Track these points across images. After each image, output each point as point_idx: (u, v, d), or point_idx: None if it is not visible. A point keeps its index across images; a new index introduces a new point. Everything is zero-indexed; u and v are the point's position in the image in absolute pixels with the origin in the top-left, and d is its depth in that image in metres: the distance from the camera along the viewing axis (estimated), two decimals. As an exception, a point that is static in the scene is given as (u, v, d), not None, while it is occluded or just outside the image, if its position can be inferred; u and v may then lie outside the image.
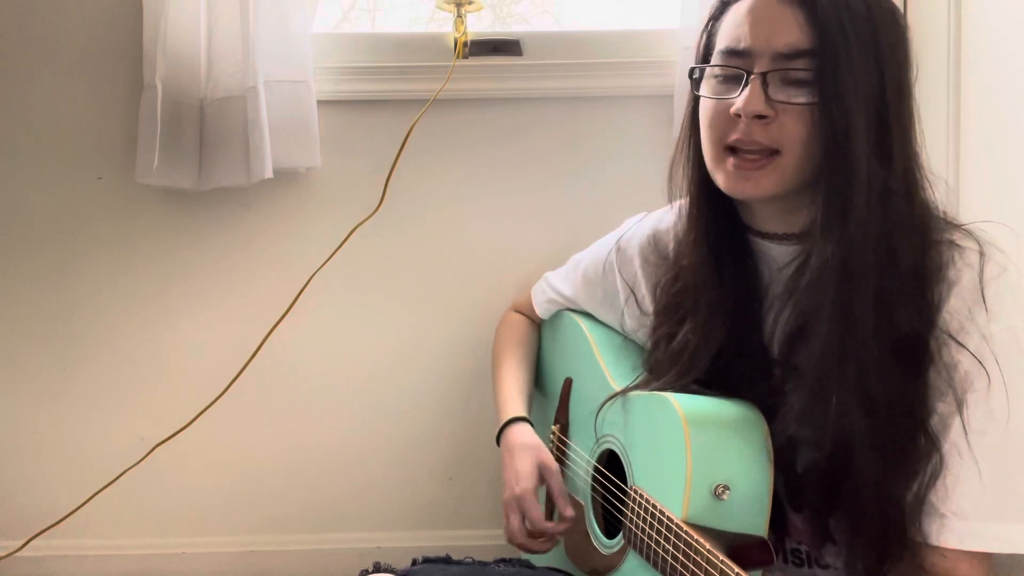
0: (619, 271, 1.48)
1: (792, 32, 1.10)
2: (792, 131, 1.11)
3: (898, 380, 1.10)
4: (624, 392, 1.32)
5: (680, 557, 1.09)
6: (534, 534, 1.44)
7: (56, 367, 1.92)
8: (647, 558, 1.18)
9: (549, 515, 1.55)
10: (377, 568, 1.37)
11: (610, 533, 1.36)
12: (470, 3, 1.85)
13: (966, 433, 1.08)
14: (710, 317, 1.24)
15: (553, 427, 1.59)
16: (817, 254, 1.12)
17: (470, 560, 1.47)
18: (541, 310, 1.71)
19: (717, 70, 1.17)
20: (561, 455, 1.55)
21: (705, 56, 1.22)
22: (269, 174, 1.75)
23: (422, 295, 1.95)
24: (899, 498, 1.10)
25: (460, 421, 1.96)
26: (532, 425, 1.55)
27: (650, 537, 1.16)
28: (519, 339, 1.72)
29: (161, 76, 1.75)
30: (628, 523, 1.24)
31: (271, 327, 1.87)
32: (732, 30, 1.15)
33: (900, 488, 1.10)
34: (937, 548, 1.09)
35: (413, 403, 1.96)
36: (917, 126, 1.15)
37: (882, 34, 1.11)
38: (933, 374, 1.10)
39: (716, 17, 1.21)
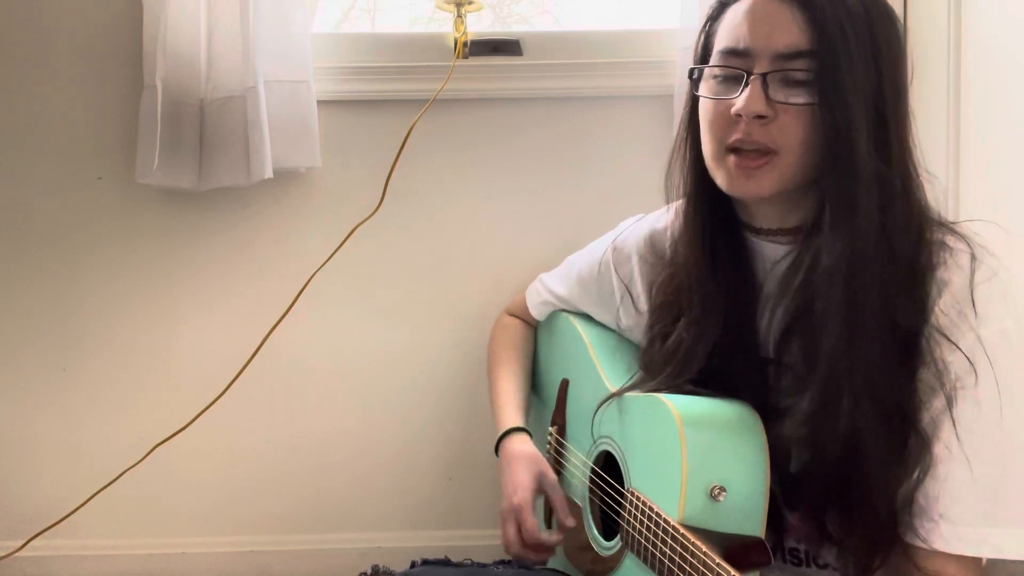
0: (615, 270, 1.48)
1: (792, 33, 1.10)
2: (791, 131, 1.12)
3: (897, 377, 1.10)
4: (620, 393, 1.32)
5: (676, 559, 1.09)
6: (530, 545, 1.43)
7: (56, 367, 1.92)
8: (644, 560, 1.18)
9: (548, 524, 1.56)
10: (375, 571, 1.37)
11: (608, 535, 1.35)
12: (470, 3, 1.85)
13: (957, 433, 1.08)
14: (705, 314, 1.24)
15: (550, 428, 1.59)
16: (825, 252, 1.12)
17: (469, 562, 1.47)
18: (536, 312, 1.70)
19: (716, 70, 1.18)
20: (559, 457, 1.55)
21: (703, 56, 1.22)
22: (269, 174, 1.75)
23: (422, 295, 1.95)
24: (892, 494, 1.10)
25: (460, 421, 1.96)
26: (530, 435, 1.55)
27: (647, 539, 1.16)
28: (515, 344, 1.72)
29: (161, 76, 1.75)
30: (625, 525, 1.24)
31: (271, 327, 1.87)
32: (731, 30, 1.16)
33: (893, 485, 1.10)
34: (926, 550, 1.09)
35: (413, 403, 1.96)
36: (912, 124, 1.16)
37: (879, 33, 1.11)
38: (924, 372, 1.10)
39: (714, 18, 1.21)
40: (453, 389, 1.96)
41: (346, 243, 1.87)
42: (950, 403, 1.08)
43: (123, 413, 1.93)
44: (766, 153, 1.13)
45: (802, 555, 1.24)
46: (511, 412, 1.59)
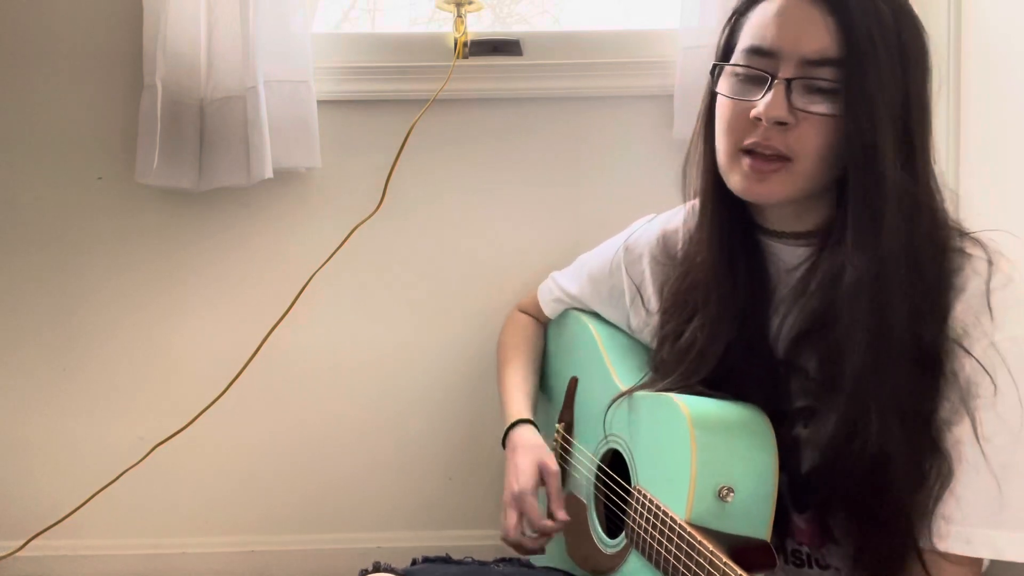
0: (626, 270, 1.48)
1: (822, 38, 1.09)
2: (809, 140, 1.10)
3: (923, 393, 1.09)
4: (630, 392, 1.31)
5: (683, 558, 1.09)
6: (535, 529, 1.43)
7: (56, 367, 1.92)
8: (649, 558, 1.18)
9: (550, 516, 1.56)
10: (377, 568, 1.37)
11: (612, 533, 1.36)
12: (470, 3, 1.85)
13: (976, 441, 1.07)
14: (720, 314, 1.23)
15: (557, 426, 1.59)
16: (850, 268, 1.10)
17: (470, 560, 1.47)
18: (548, 309, 1.71)
19: (739, 69, 1.16)
20: (565, 454, 1.55)
21: (726, 51, 1.20)
22: (269, 174, 1.75)
23: (422, 295, 1.95)
24: (912, 506, 1.09)
25: (460, 421, 1.96)
26: (537, 427, 1.55)
27: (653, 538, 1.16)
28: (525, 339, 1.72)
29: (161, 76, 1.75)
30: (631, 523, 1.24)
31: (271, 327, 1.87)
32: (759, 29, 1.14)
33: (914, 496, 1.09)
34: (928, 550, 1.09)
35: (413, 403, 1.96)
36: (933, 135, 1.15)
37: (908, 44, 1.10)
38: (942, 380, 1.09)
39: (742, 12, 1.19)
40: (453, 389, 1.96)
41: (346, 243, 1.87)
42: (968, 412, 1.08)
43: (123, 413, 1.93)
44: (781, 159, 1.12)
45: (804, 557, 1.24)
46: (518, 404, 1.59)
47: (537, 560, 1.54)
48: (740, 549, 1.11)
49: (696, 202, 1.29)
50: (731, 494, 1.11)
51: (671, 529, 1.12)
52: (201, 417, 1.87)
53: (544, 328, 1.76)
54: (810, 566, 1.23)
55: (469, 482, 1.97)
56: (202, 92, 1.79)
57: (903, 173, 1.08)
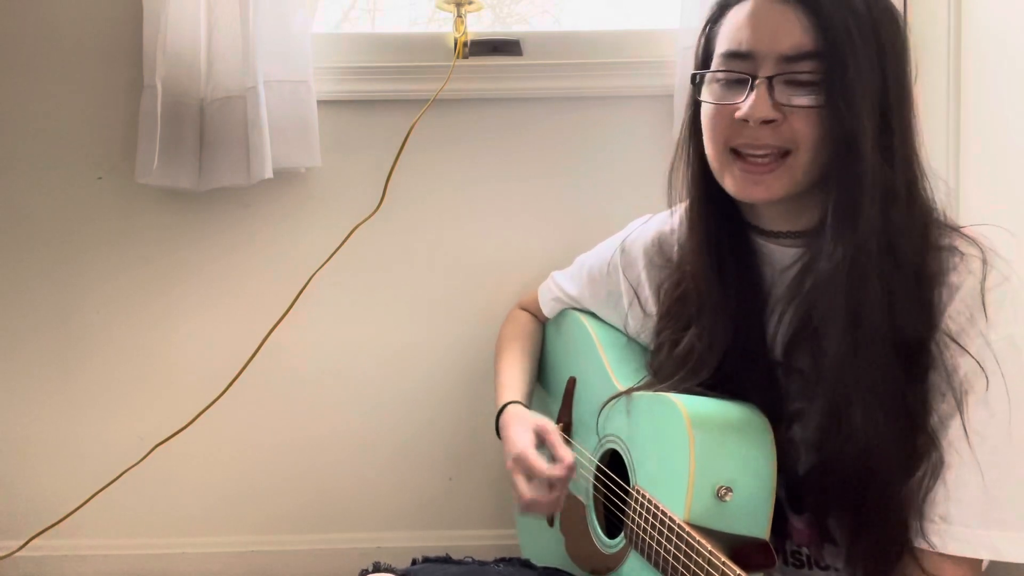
0: (623, 272, 1.48)
1: (796, 34, 1.09)
2: (802, 132, 1.11)
3: (904, 382, 1.09)
4: (628, 393, 1.32)
5: (681, 558, 1.09)
6: (546, 478, 1.37)
7: (56, 367, 1.92)
8: (648, 558, 1.18)
9: (550, 524, 1.56)
10: (377, 568, 1.38)
11: (611, 533, 1.36)
12: (470, 3, 1.86)
13: (966, 436, 1.07)
14: (715, 323, 1.23)
15: (556, 426, 1.58)
16: (826, 258, 1.11)
17: (470, 560, 1.47)
18: (547, 309, 1.71)
19: (719, 74, 1.16)
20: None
21: (704, 60, 1.21)
22: (269, 174, 1.75)
23: (422, 295, 1.95)
24: (900, 500, 1.10)
25: (460, 421, 1.96)
26: (527, 408, 1.54)
27: (651, 537, 1.16)
28: (522, 334, 1.72)
29: (161, 76, 1.75)
30: (630, 523, 1.24)
31: (271, 327, 1.88)
32: (733, 33, 1.14)
33: (902, 489, 1.09)
34: (926, 551, 1.09)
35: (413, 403, 1.96)
36: (916, 125, 1.15)
37: (884, 33, 1.10)
38: (934, 376, 1.09)
39: (714, 20, 1.20)
40: (453, 389, 1.96)
41: (346, 243, 1.87)
42: (960, 407, 1.08)
43: (123, 413, 1.93)
44: (777, 156, 1.12)
45: (804, 558, 1.24)
46: (510, 390, 1.58)
47: (537, 560, 1.54)
48: (739, 549, 1.11)
49: (685, 208, 1.29)
50: (729, 494, 1.11)
51: (670, 529, 1.12)
52: (201, 417, 1.87)
53: (543, 326, 1.76)
54: (810, 567, 1.23)
55: (469, 482, 1.98)
56: (202, 92, 1.79)
57: (882, 161, 1.09)
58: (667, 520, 1.13)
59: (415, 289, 1.95)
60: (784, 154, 1.12)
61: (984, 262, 1.10)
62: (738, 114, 1.12)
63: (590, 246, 1.62)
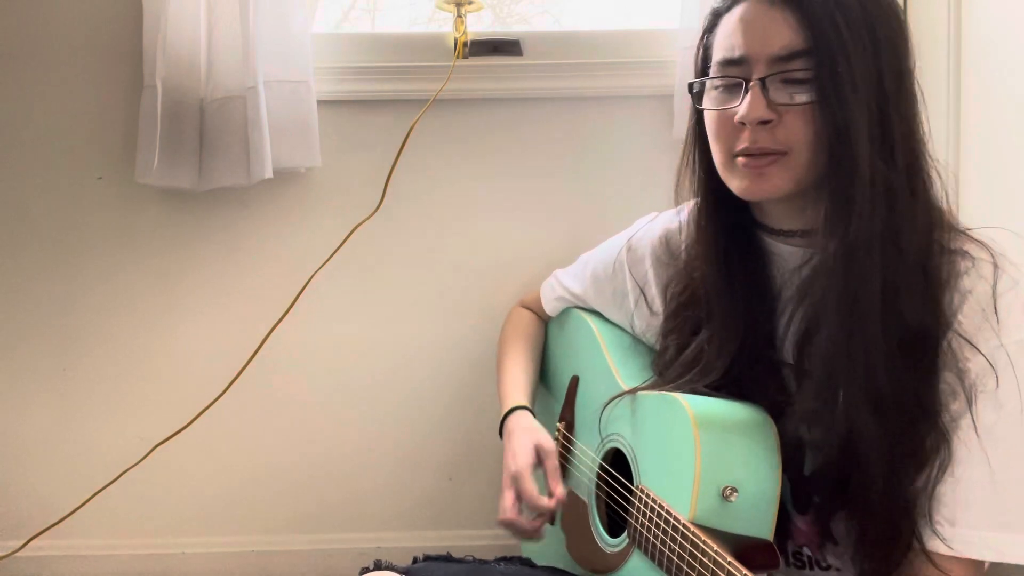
0: (629, 270, 1.48)
1: (785, 34, 1.10)
2: (798, 131, 1.11)
3: (907, 377, 1.09)
4: (633, 392, 1.32)
5: (687, 557, 1.09)
6: (531, 507, 1.41)
7: (56, 367, 1.92)
8: (652, 558, 1.18)
9: (551, 522, 1.55)
10: (378, 566, 1.38)
11: (614, 532, 1.36)
12: (470, 3, 1.86)
13: (977, 437, 1.07)
14: (724, 327, 1.24)
15: (558, 424, 1.59)
16: (822, 252, 1.12)
17: (471, 558, 1.47)
18: (550, 307, 1.71)
19: (717, 81, 1.18)
20: (566, 453, 1.55)
21: (703, 69, 1.22)
22: (269, 174, 1.75)
23: (422, 295, 1.95)
24: (906, 498, 1.10)
25: (460, 421, 1.96)
26: (534, 414, 1.55)
27: (656, 537, 1.16)
28: (525, 333, 1.72)
29: (161, 76, 1.75)
30: (634, 522, 1.24)
31: (271, 327, 1.87)
32: (726, 40, 1.16)
33: (907, 487, 1.10)
34: (928, 552, 1.09)
35: (413, 403, 1.96)
36: (922, 114, 1.15)
37: (877, 26, 1.10)
38: (946, 376, 1.09)
39: (709, 30, 1.21)
40: (454, 388, 1.96)
41: (346, 243, 1.87)
42: (970, 407, 1.08)
43: (123, 413, 1.93)
44: (775, 154, 1.13)
45: (805, 558, 1.24)
46: (515, 393, 1.59)
47: (538, 559, 1.54)
48: (743, 549, 1.11)
49: (692, 211, 1.30)
50: (735, 494, 1.11)
51: (675, 528, 1.12)
52: (201, 417, 1.87)
53: (545, 325, 1.76)
54: (811, 567, 1.23)
55: (469, 482, 1.98)
56: (202, 92, 1.79)
57: (878, 157, 1.08)
58: (672, 520, 1.13)
59: (415, 289, 1.95)
60: (782, 154, 1.13)
61: (995, 267, 1.10)
62: (736, 118, 1.13)
63: (590, 245, 1.62)
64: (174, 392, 1.91)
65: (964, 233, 1.14)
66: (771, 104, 1.11)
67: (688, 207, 1.32)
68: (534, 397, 1.63)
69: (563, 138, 1.93)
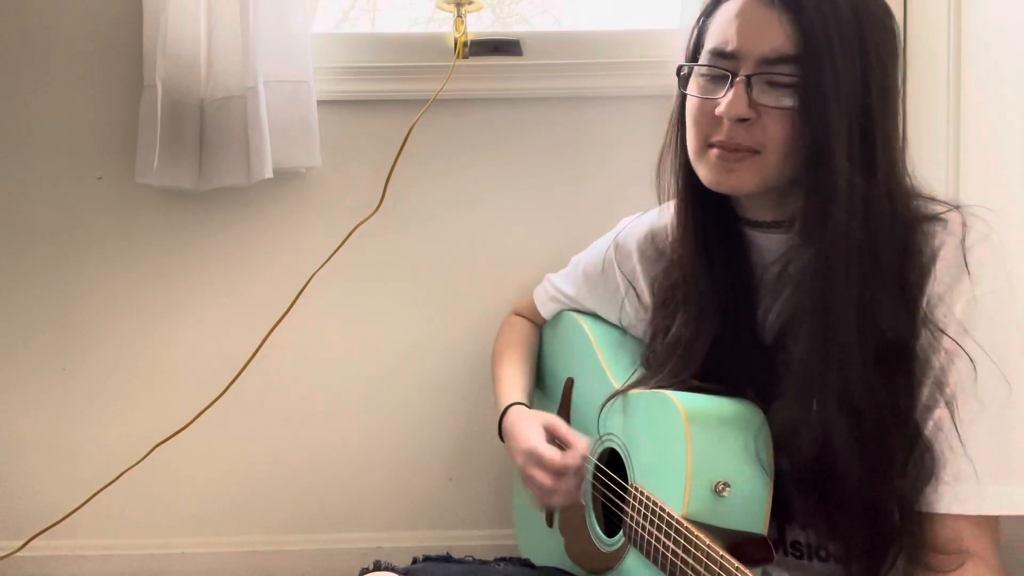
0: (618, 266, 1.49)
1: (778, 37, 1.11)
2: (773, 133, 1.12)
3: (881, 383, 1.10)
4: (624, 390, 1.32)
5: (680, 553, 1.09)
6: (555, 470, 1.37)
7: (56, 367, 1.92)
8: (647, 555, 1.18)
9: (548, 524, 1.55)
10: (378, 566, 1.38)
11: (610, 531, 1.36)
12: (470, 3, 1.86)
13: (958, 404, 1.08)
14: (701, 310, 1.25)
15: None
16: (795, 260, 1.14)
17: (470, 559, 1.47)
18: (544, 310, 1.71)
19: (704, 69, 1.18)
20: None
21: (694, 53, 1.23)
22: (269, 174, 1.75)
23: (422, 295, 1.95)
24: (886, 495, 1.10)
25: (461, 421, 1.96)
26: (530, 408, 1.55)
27: (650, 534, 1.16)
28: (520, 340, 1.72)
29: (161, 76, 1.75)
30: (628, 520, 1.24)
31: (271, 327, 1.88)
32: (720, 30, 1.16)
33: (885, 485, 1.10)
34: (939, 516, 1.09)
35: (413, 403, 1.96)
36: (904, 127, 1.16)
37: (869, 39, 1.11)
38: (920, 352, 1.10)
39: (708, 14, 1.21)
40: (454, 388, 1.96)
41: (346, 243, 1.87)
42: (947, 375, 1.08)
43: (123, 413, 1.93)
44: (748, 151, 1.14)
45: (803, 549, 1.23)
46: (511, 393, 1.59)
47: (537, 560, 1.54)
48: (737, 543, 1.12)
49: (674, 201, 1.31)
50: (727, 489, 1.11)
51: (668, 525, 1.12)
52: (201, 417, 1.87)
53: (539, 330, 1.76)
54: (810, 559, 1.23)
55: (469, 482, 1.98)
56: (202, 92, 1.79)
57: (856, 169, 1.09)
58: (665, 516, 1.13)
59: (415, 289, 1.95)
60: (755, 152, 1.14)
61: (964, 224, 1.11)
62: (716, 110, 1.14)
63: (590, 244, 1.62)
64: (174, 392, 1.91)
65: (936, 200, 1.16)
66: (752, 103, 1.12)
67: (669, 205, 1.33)
68: (531, 398, 1.63)
69: (563, 138, 1.93)
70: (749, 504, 1.12)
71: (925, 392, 1.10)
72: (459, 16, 1.86)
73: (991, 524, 1.09)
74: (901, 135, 1.16)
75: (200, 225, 1.91)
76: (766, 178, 1.15)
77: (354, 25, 2.20)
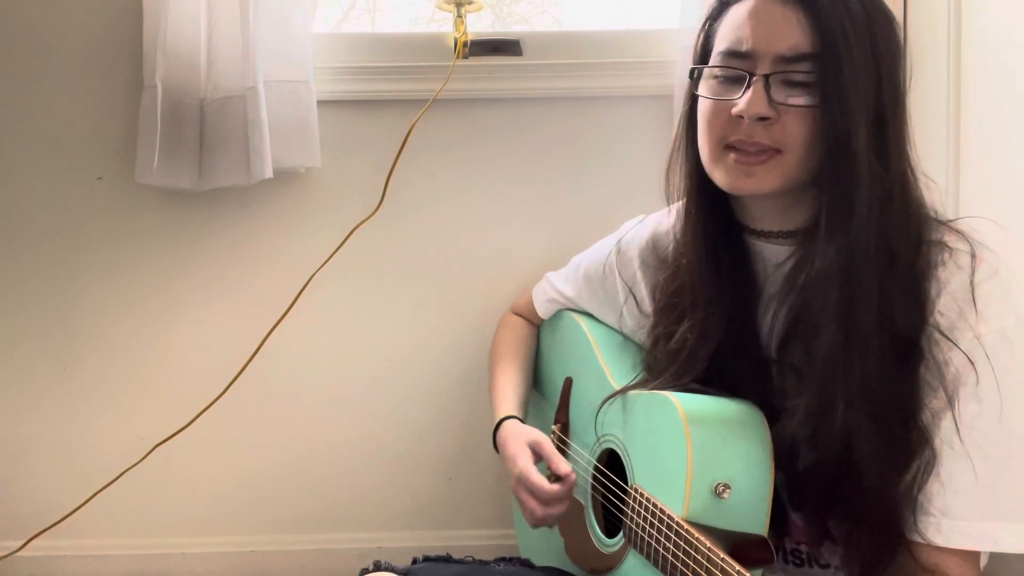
0: (619, 272, 1.49)
1: (794, 35, 1.10)
2: (794, 132, 1.12)
3: (896, 379, 1.10)
4: (624, 391, 1.32)
5: (680, 555, 1.09)
6: (546, 502, 1.38)
7: (56, 366, 1.92)
8: (647, 556, 1.18)
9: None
10: (377, 566, 1.38)
11: (610, 532, 1.35)
12: (470, 3, 1.85)
13: (958, 430, 1.08)
14: (708, 315, 1.24)
15: (553, 427, 1.58)
16: (820, 256, 1.12)
17: (470, 559, 1.47)
18: (542, 310, 1.71)
19: (717, 70, 1.18)
20: (561, 455, 1.55)
21: (703, 56, 1.22)
22: (269, 174, 1.75)
23: (422, 295, 1.95)
24: (894, 495, 1.10)
25: (460, 421, 1.96)
26: (522, 422, 1.55)
27: (650, 535, 1.16)
28: (517, 341, 1.72)
29: (161, 76, 1.75)
30: (628, 522, 1.24)
31: (271, 327, 1.88)
32: (733, 31, 1.16)
33: (895, 485, 1.10)
34: (927, 545, 1.10)
35: (413, 403, 1.96)
36: (910, 126, 1.16)
37: (879, 36, 1.11)
38: (924, 371, 1.10)
39: (715, 17, 1.21)
40: (453, 389, 1.96)
41: (346, 243, 1.87)
42: (951, 401, 1.08)
43: (123, 413, 1.93)
44: (769, 152, 1.13)
45: (803, 556, 1.24)
46: (505, 404, 1.59)
47: (537, 560, 1.54)
48: (737, 545, 1.12)
49: (682, 204, 1.30)
50: (727, 490, 1.11)
51: (668, 527, 1.12)
52: (201, 417, 1.87)
53: (537, 330, 1.76)
54: (810, 565, 1.23)
55: (469, 482, 1.98)
56: (202, 92, 1.79)
57: (875, 162, 1.10)
58: (665, 518, 1.13)
59: (415, 289, 1.95)
60: (776, 152, 1.13)
61: (973, 256, 1.11)
62: (734, 110, 1.13)
63: (590, 245, 1.62)
64: (174, 392, 1.91)
65: (944, 224, 1.15)
66: (772, 102, 1.11)
67: (675, 208, 1.33)
68: (525, 405, 1.63)
69: (563, 138, 1.93)
70: (750, 505, 1.12)
71: (929, 394, 1.10)
72: (459, 16, 1.86)
73: (976, 556, 1.10)
74: (909, 129, 1.16)
75: (200, 225, 1.91)
76: (787, 177, 1.14)
77: (354, 25, 2.20)
